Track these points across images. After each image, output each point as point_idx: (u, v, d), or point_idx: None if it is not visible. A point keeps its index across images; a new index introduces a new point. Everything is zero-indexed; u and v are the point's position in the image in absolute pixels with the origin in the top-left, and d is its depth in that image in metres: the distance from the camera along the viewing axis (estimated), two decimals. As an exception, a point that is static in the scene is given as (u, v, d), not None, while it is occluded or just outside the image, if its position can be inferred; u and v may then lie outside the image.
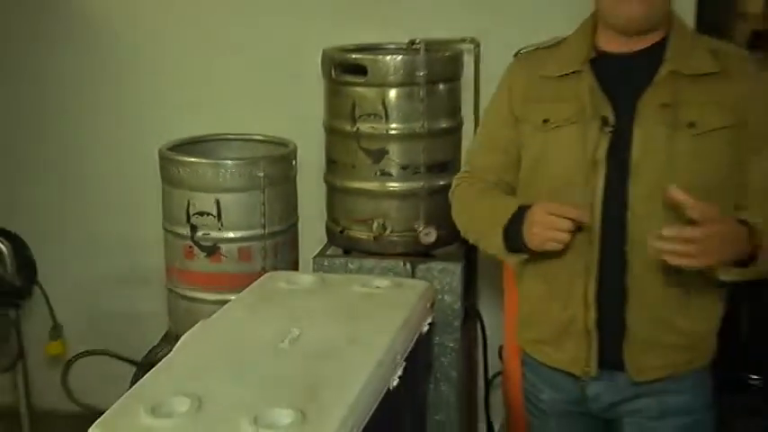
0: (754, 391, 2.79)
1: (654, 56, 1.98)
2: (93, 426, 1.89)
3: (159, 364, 2.18)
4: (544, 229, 1.92)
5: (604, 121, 1.96)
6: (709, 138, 1.91)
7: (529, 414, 2.38)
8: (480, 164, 2.31)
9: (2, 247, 3.33)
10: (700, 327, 2.07)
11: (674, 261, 1.78)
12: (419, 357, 2.54)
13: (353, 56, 3.01)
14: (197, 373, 2.07)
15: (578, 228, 1.93)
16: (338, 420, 1.87)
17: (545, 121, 2.07)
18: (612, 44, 2.03)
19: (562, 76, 2.07)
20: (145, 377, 2.10)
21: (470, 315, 3.30)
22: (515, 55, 2.29)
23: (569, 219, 1.90)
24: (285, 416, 1.86)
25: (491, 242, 2.13)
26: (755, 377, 2.83)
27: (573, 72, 2.04)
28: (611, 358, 2.03)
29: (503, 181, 2.22)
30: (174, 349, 2.25)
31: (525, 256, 2.08)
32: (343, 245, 3.19)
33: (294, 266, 3.26)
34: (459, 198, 2.33)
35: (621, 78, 2.01)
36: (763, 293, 2.59)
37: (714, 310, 2.09)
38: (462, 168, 2.44)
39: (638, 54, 2.01)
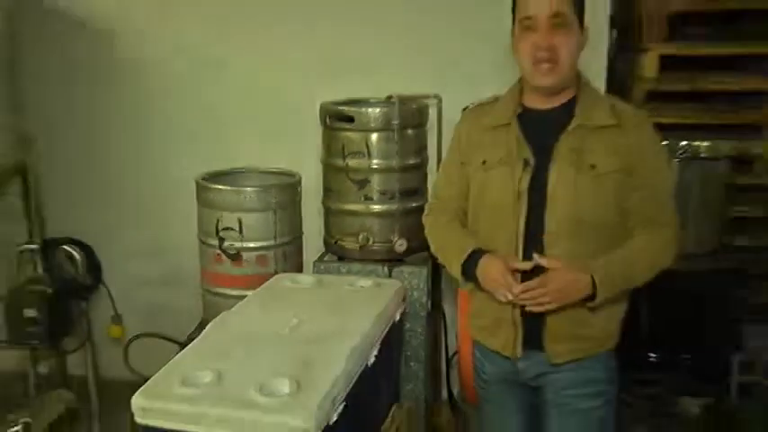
0: (652, 365, 2.81)
1: (566, 111, 2.02)
2: (137, 393, 1.93)
3: (188, 346, 2.21)
4: (499, 285, 1.98)
5: (526, 162, 2.00)
6: (605, 178, 1.96)
7: (476, 385, 2.39)
8: (444, 195, 2.32)
9: (75, 254, 3.37)
10: (607, 324, 2.09)
11: (533, 309, 1.96)
12: (393, 340, 2.56)
13: (343, 108, 3.04)
14: (218, 353, 2.10)
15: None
16: (325, 389, 1.90)
17: (483, 162, 2.11)
18: (535, 102, 2.08)
19: (496, 127, 2.10)
20: (177, 356, 2.14)
21: (435, 308, 3.31)
22: (463, 110, 2.33)
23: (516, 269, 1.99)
24: (284, 385, 1.90)
25: (452, 270, 2.17)
26: (653, 355, 2.85)
27: (504, 124, 2.08)
28: (533, 343, 2.08)
29: (460, 207, 2.24)
30: (200, 335, 2.28)
31: (472, 285, 2.14)
32: (337, 253, 3.20)
33: (299, 269, 3.26)
34: (430, 227, 2.34)
35: (541, 129, 2.04)
36: (659, 291, 2.63)
37: (619, 310, 2.11)
38: (430, 198, 2.43)
39: (554, 110, 2.05)
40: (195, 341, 2.24)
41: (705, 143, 3.00)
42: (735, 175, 2.98)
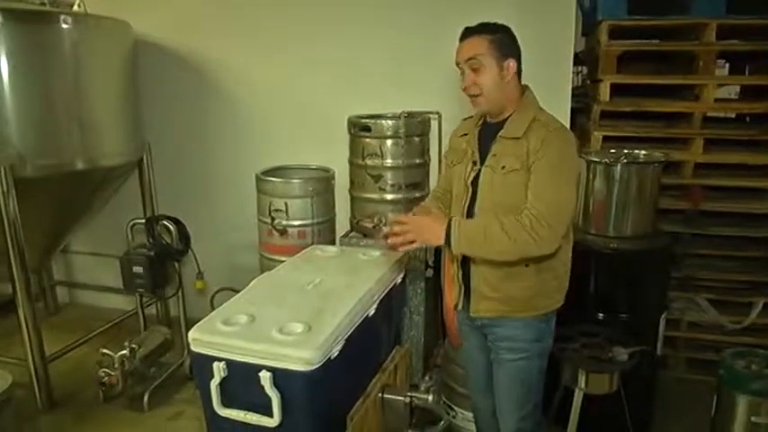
0: (597, 322, 2.73)
1: (502, 126, 2.01)
2: (191, 329, 1.94)
3: (235, 296, 2.21)
4: None
5: (474, 163, 2.05)
6: (510, 174, 1.94)
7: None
8: (440, 182, 2.38)
9: (171, 227, 3.40)
10: (515, 293, 2.02)
11: (398, 247, 2.01)
12: (393, 298, 2.51)
13: (364, 120, 3.01)
14: (254, 302, 2.11)
15: None
16: (328, 331, 1.89)
17: (451, 161, 2.18)
18: (489, 117, 2.08)
19: (462, 135, 2.17)
20: (225, 303, 2.14)
21: (435, 274, 3.24)
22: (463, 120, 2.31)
23: None
24: (298, 327, 1.90)
25: None
26: (600, 314, 2.76)
27: (466, 134, 2.14)
28: (468, 299, 2.13)
29: (445, 192, 2.27)
30: (245, 288, 2.28)
31: None
32: (358, 231, 3.18)
33: (332, 242, 3.24)
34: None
35: (487, 138, 2.04)
36: (604, 265, 2.55)
37: (526, 286, 2.02)
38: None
39: (496, 124, 2.04)
40: (240, 293, 2.24)
41: (643, 151, 2.89)
42: (664, 176, 2.85)
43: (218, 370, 1.84)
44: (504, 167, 1.95)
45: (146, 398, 3.18)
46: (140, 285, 3.39)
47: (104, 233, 4.18)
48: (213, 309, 3.56)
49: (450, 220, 1.92)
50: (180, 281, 3.51)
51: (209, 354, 1.87)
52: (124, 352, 3.13)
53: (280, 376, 1.78)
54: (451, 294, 2.25)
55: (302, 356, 1.77)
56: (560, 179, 1.88)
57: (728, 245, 3.25)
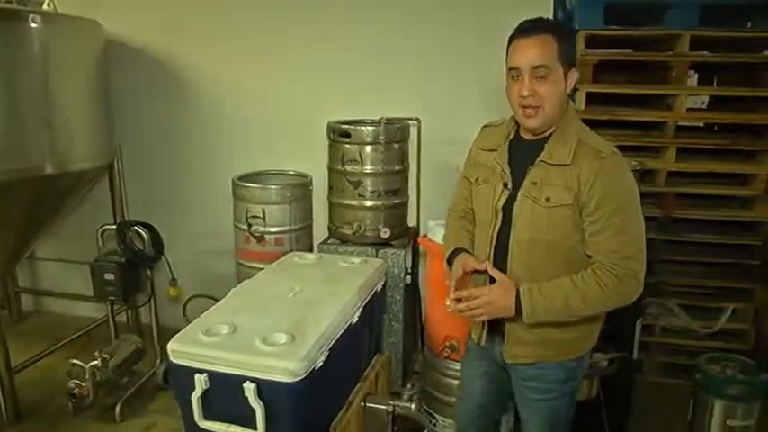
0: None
1: (541, 145, 1.76)
2: (171, 340, 1.90)
3: (214, 305, 2.17)
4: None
5: (505, 185, 1.79)
6: (557, 209, 1.70)
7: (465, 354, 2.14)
8: (457, 197, 2.04)
9: (143, 233, 3.33)
10: (560, 335, 1.79)
11: (464, 315, 1.78)
12: (374, 305, 2.51)
13: (343, 126, 2.99)
14: (235, 312, 2.08)
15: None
16: (312, 341, 1.88)
17: (476, 179, 1.90)
18: (524, 132, 1.82)
19: (490, 150, 1.87)
20: (204, 312, 2.10)
21: (413, 281, 3.25)
22: (482, 128, 2.01)
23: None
24: (282, 338, 1.89)
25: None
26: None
27: (493, 149, 1.86)
28: (497, 334, 1.87)
29: (468, 208, 1.97)
30: (225, 297, 2.24)
31: None
32: (337, 237, 3.15)
33: (309, 249, 3.21)
34: (446, 222, 2.08)
35: (522, 157, 1.79)
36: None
37: (585, 328, 1.82)
38: (451, 201, 2.10)
39: (534, 141, 1.78)
40: (220, 302, 2.21)
41: (619, 159, 2.91)
42: (640, 184, 2.89)
43: (200, 382, 1.80)
44: (548, 199, 1.71)
45: (117, 409, 3.10)
46: (111, 293, 3.29)
47: (73, 239, 4.07)
48: (186, 316, 3.58)
49: (518, 290, 1.71)
50: (152, 288, 3.43)
51: (190, 365, 1.84)
52: (95, 362, 3.03)
53: (264, 388, 1.76)
54: (471, 327, 2.00)
55: (287, 367, 1.75)
56: (629, 220, 1.72)
57: (700, 251, 3.31)
